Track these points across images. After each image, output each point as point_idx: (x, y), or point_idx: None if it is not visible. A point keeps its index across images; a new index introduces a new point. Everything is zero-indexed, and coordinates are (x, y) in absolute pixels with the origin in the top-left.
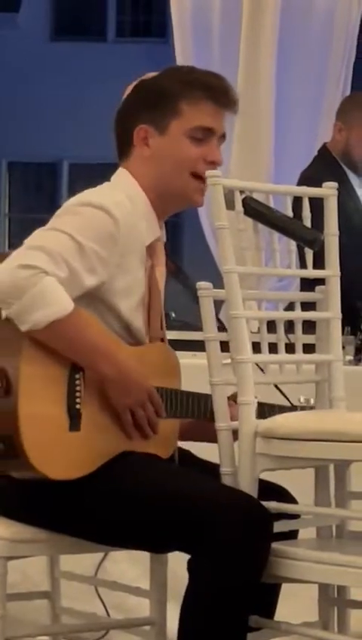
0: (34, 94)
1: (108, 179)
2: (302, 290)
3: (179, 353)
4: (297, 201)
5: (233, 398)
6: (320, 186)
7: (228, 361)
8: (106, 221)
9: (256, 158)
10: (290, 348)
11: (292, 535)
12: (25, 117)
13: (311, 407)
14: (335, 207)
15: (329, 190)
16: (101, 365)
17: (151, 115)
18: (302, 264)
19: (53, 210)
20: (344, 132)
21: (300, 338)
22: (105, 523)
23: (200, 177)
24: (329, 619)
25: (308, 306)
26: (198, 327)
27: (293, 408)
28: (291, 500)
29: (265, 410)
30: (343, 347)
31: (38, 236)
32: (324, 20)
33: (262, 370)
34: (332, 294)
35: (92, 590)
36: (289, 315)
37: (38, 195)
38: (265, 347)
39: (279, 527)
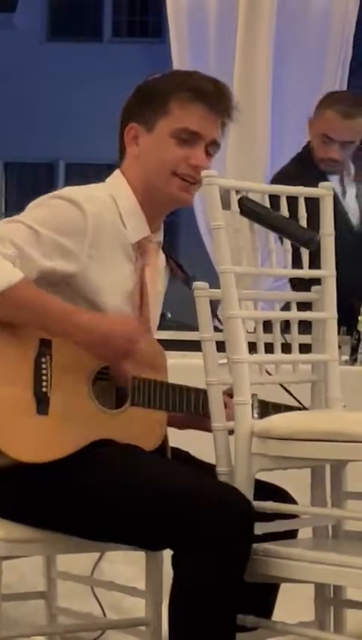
0: (30, 94)
1: (104, 178)
2: (297, 290)
3: (174, 353)
4: (275, 199)
5: (227, 393)
6: (290, 184)
7: (225, 361)
8: (72, 212)
9: (251, 158)
10: (286, 348)
11: (291, 535)
12: (21, 117)
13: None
14: (331, 207)
15: (324, 190)
16: (68, 327)
17: (142, 114)
18: (298, 264)
19: None
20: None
21: (296, 338)
22: (91, 518)
23: (180, 176)
24: (326, 619)
25: (304, 306)
26: (194, 327)
27: (303, 408)
28: (290, 501)
29: (269, 410)
30: (339, 347)
31: None
32: (320, 19)
33: (268, 372)
34: (328, 294)
35: (88, 590)
36: (286, 315)
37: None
38: (261, 347)
39: (276, 527)
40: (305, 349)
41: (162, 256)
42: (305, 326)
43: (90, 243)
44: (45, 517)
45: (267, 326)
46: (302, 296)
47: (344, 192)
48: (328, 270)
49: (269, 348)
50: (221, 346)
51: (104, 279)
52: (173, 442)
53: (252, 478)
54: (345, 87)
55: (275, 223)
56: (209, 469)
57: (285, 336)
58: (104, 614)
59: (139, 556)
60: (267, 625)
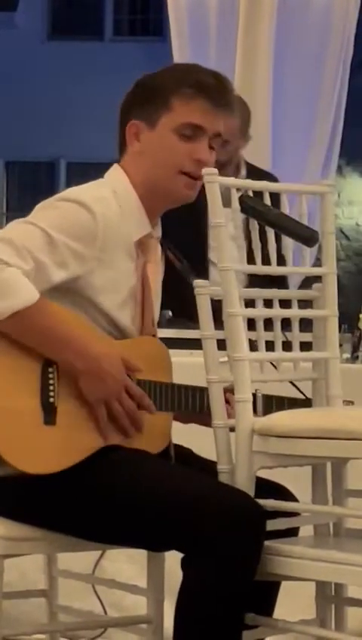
0: (31, 93)
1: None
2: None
3: (175, 351)
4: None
5: (229, 390)
6: None
7: (225, 359)
8: (83, 216)
9: (252, 155)
10: (287, 346)
11: (292, 532)
12: (22, 116)
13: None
14: (332, 204)
15: (325, 187)
16: (69, 356)
17: (143, 110)
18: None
19: None
20: None
21: (297, 336)
22: (98, 521)
23: (187, 174)
24: (327, 616)
25: (305, 304)
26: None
27: (307, 401)
28: (292, 498)
29: (273, 404)
30: (340, 345)
31: (9, 228)
32: (321, 16)
33: (274, 366)
34: (328, 292)
35: (89, 588)
36: (286, 312)
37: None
38: (261, 345)
39: (277, 524)
40: (305, 346)
41: (159, 249)
42: (306, 324)
43: (100, 247)
44: (49, 519)
45: (268, 324)
46: (303, 294)
47: None
48: (329, 268)
49: (270, 346)
50: (222, 344)
51: (107, 280)
52: (175, 439)
53: (253, 476)
54: (345, 86)
55: (276, 221)
56: (211, 466)
57: (286, 334)
58: (105, 612)
59: (140, 554)
60: (268, 623)
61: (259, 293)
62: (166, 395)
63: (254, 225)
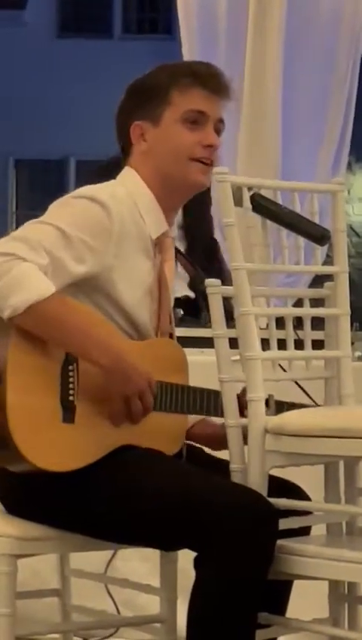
0: (40, 92)
1: (114, 174)
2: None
3: (187, 350)
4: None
5: (242, 395)
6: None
7: (238, 357)
8: (98, 212)
9: (263, 154)
10: (299, 344)
11: (304, 531)
12: (31, 115)
13: None
14: (343, 203)
15: (336, 186)
16: (93, 352)
17: (144, 110)
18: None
19: None
20: None
21: (309, 334)
22: (111, 520)
23: (199, 160)
24: (340, 615)
25: (316, 302)
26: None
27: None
28: (305, 497)
29: (284, 409)
30: (352, 343)
31: (22, 228)
32: (331, 14)
33: (282, 368)
34: (340, 290)
35: (102, 588)
36: (298, 311)
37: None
38: (274, 344)
39: (289, 523)
40: (317, 345)
41: (173, 249)
42: (318, 322)
43: (116, 242)
44: (62, 518)
45: (279, 323)
46: (315, 292)
47: None
48: (340, 266)
49: (282, 344)
50: (234, 343)
51: (126, 277)
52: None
53: (265, 475)
54: (355, 84)
55: (287, 220)
56: (222, 465)
57: (298, 333)
58: (118, 611)
59: (152, 553)
60: (281, 622)
61: (271, 292)
62: (184, 398)
63: (266, 223)
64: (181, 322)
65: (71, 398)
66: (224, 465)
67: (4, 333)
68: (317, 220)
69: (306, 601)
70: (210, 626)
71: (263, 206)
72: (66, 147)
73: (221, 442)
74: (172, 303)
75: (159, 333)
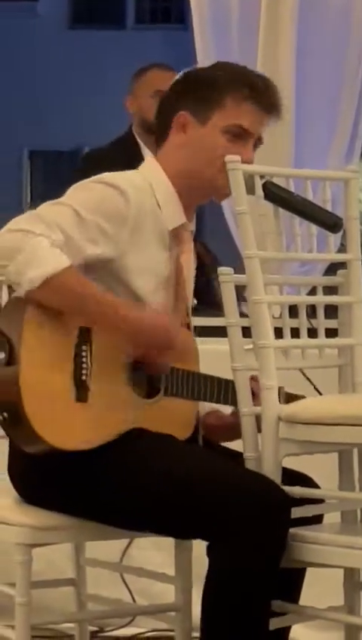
0: (53, 82)
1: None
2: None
3: (200, 339)
4: None
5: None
6: (103, 164)
7: (251, 346)
8: (115, 198)
9: (276, 143)
10: (313, 332)
11: (317, 520)
12: (45, 105)
13: None
14: (356, 190)
15: (349, 174)
16: (112, 318)
17: (195, 103)
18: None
19: None
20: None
21: (322, 322)
22: (124, 507)
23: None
24: (355, 603)
25: (330, 290)
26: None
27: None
28: (315, 487)
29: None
30: None
31: (41, 207)
32: (342, 7)
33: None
34: (353, 278)
35: (117, 577)
36: (311, 299)
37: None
38: (287, 332)
39: (303, 512)
40: (331, 333)
41: (192, 243)
42: (332, 310)
43: (132, 229)
44: (74, 502)
45: (293, 311)
46: (328, 280)
47: None
48: (353, 254)
49: (295, 333)
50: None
51: (141, 265)
52: None
53: (279, 463)
54: None
55: (300, 207)
56: (236, 457)
57: (311, 321)
58: (134, 600)
59: (167, 542)
60: (295, 610)
61: (284, 280)
62: (195, 385)
63: (278, 212)
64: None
65: (84, 377)
66: (237, 456)
67: (18, 312)
68: (329, 208)
69: (321, 589)
70: (224, 614)
71: (275, 194)
72: (80, 138)
73: (230, 434)
74: (191, 296)
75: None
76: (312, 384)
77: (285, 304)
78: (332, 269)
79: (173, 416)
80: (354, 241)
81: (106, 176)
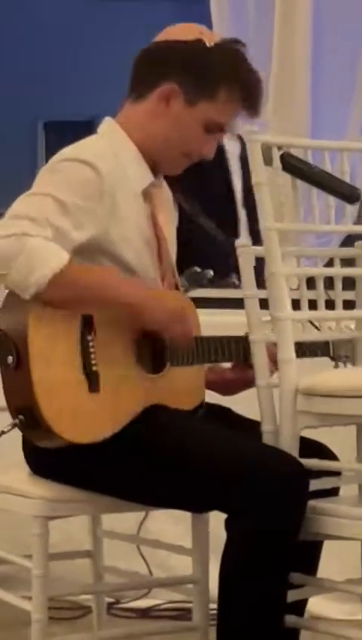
0: (67, 53)
1: None
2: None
3: (216, 311)
4: None
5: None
6: None
7: (268, 318)
8: (88, 174)
9: (293, 113)
10: (330, 304)
11: (333, 492)
12: (59, 77)
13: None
14: None
15: None
16: (122, 296)
17: (188, 82)
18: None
19: None
20: None
21: (340, 294)
22: (140, 483)
23: (188, 156)
24: None
25: (347, 262)
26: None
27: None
28: (332, 457)
29: (305, 352)
30: None
31: (18, 203)
32: None
33: (316, 327)
34: None
35: (134, 549)
36: (329, 271)
37: None
38: (304, 304)
39: (320, 484)
40: (349, 305)
41: (168, 192)
42: (349, 282)
43: (109, 202)
44: (94, 482)
45: (310, 283)
46: (345, 252)
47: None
48: None
49: (313, 304)
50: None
51: (123, 234)
52: (214, 399)
53: (297, 436)
54: None
55: (317, 179)
56: (251, 425)
57: (328, 293)
58: (150, 573)
59: (184, 515)
60: (314, 582)
61: (301, 252)
62: (200, 349)
63: (296, 183)
64: (210, 283)
65: (94, 367)
66: (252, 425)
67: (19, 312)
68: (347, 180)
69: (339, 562)
70: (241, 586)
71: (293, 165)
72: (95, 108)
73: (230, 388)
74: (174, 255)
75: (166, 285)
76: (330, 356)
77: (302, 276)
78: (348, 240)
79: (182, 386)
80: None
81: (71, 152)
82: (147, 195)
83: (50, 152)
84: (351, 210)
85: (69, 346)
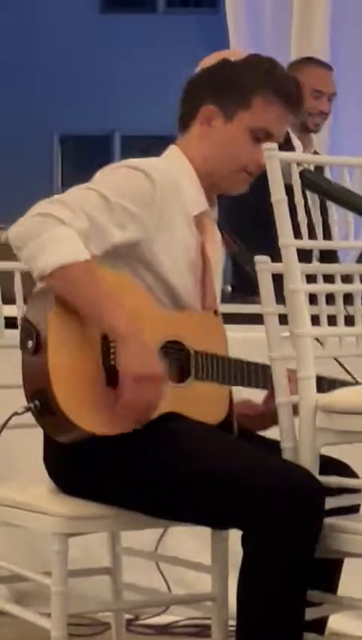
0: (84, 67)
1: (160, 150)
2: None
3: (236, 327)
4: None
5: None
6: None
7: (287, 333)
8: (141, 181)
9: None
10: (349, 320)
11: (354, 510)
12: (76, 90)
13: None
14: None
15: None
16: (108, 314)
17: (222, 98)
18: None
19: None
20: None
21: (359, 310)
22: (159, 496)
23: (248, 172)
24: None
25: None
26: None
27: (356, 384)
28: (352, 475)
29: (323, 385)
30: None
31: (67, 192)
32: None
33: (320, 343)
34: None
35: (153, 566)
36: (348, 287)
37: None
38: (324, 320)
39: (340, 501)
40: None
41: (218, 233)
42: None
43: (158, 213)
44: (112, 494)
45: (329, 299)
46: None
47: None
48: None
49: (332, 321)
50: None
51: (168, 247)
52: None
53: (317, 453)
54: None
55: (337, 195)
56: (273, 446)
57: (348, 309)
58: (169, 589)
59: (203, 531)
60: (333, 600)
61: (321, 268)
62: (225, 369)
63: (315, 199)
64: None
65: (113, 362)
66: (274, 445)
67: (44, 301)
68: None
69: (359, 579)
70: (259, 604)
71: (312, 182)
72: (111, 123)
73: (262, 422)
74: (219, 283)
75: (206, 309)
76: (349, 373)
77: (322, 292)
78: None
79: (204, 400)
80: None
81: (131, 160)
82: (199, 222)
83: (66, 165)
84: None
85: (90, 339)
